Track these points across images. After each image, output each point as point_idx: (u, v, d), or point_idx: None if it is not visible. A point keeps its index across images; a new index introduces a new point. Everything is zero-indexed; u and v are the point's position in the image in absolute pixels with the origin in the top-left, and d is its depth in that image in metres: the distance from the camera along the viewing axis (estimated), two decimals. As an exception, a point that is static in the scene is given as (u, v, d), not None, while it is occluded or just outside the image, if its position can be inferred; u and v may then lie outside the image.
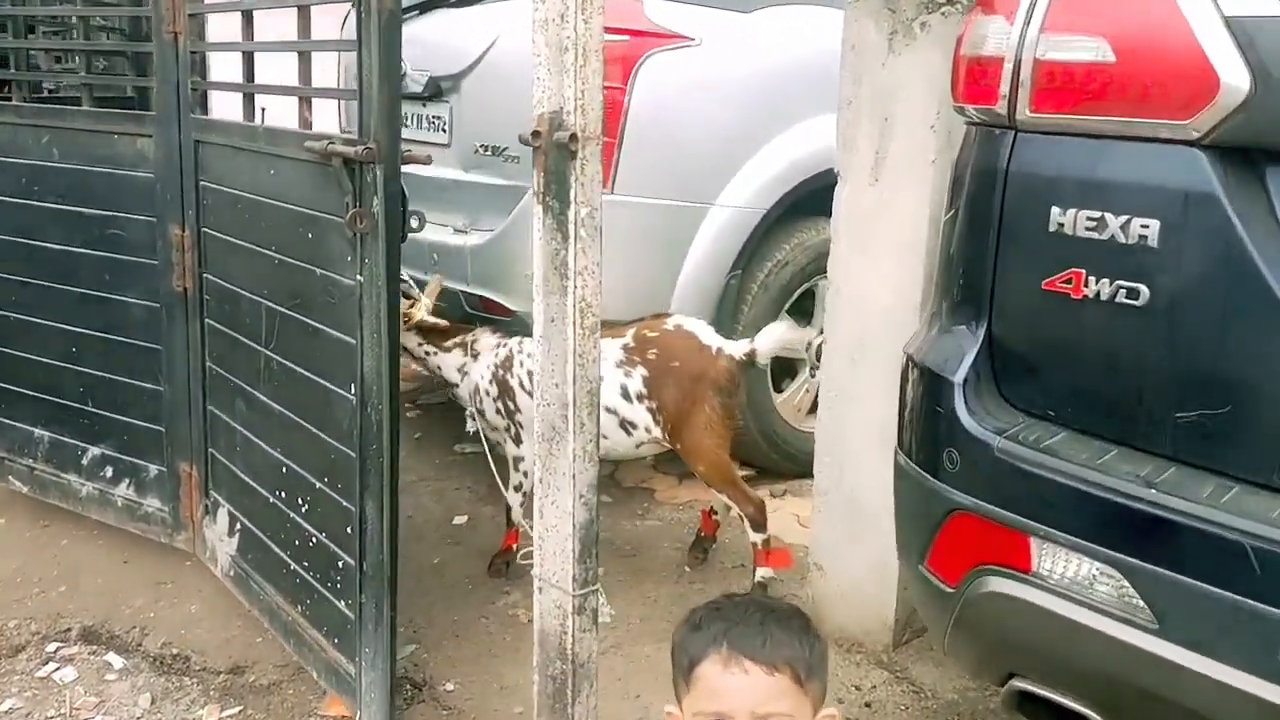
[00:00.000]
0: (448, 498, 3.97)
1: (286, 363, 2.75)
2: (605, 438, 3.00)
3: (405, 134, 4.08)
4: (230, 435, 3.12)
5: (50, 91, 3.79)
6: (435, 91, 3.76)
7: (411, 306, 3.21)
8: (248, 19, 2.75)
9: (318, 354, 2.59)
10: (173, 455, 3.39)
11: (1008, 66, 1.53)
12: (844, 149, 2.64)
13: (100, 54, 3.64)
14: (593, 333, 1.98)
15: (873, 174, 2.57)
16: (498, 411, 3.15)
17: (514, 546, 3.29)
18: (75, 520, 3.67)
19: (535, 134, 1.94)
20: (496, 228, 3.57)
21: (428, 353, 3.30)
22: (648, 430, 3.00)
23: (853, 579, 2.79)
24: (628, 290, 3.52)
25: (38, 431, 3.72)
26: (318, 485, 2.66)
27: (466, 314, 3.67)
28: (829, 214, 2.72)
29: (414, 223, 2.30)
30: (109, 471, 3.57)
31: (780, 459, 3.88)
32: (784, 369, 3.91)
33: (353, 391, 2.43)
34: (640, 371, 2.98)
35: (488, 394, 3.17)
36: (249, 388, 2.96)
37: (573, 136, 1.88)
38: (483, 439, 3.23)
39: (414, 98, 3.87)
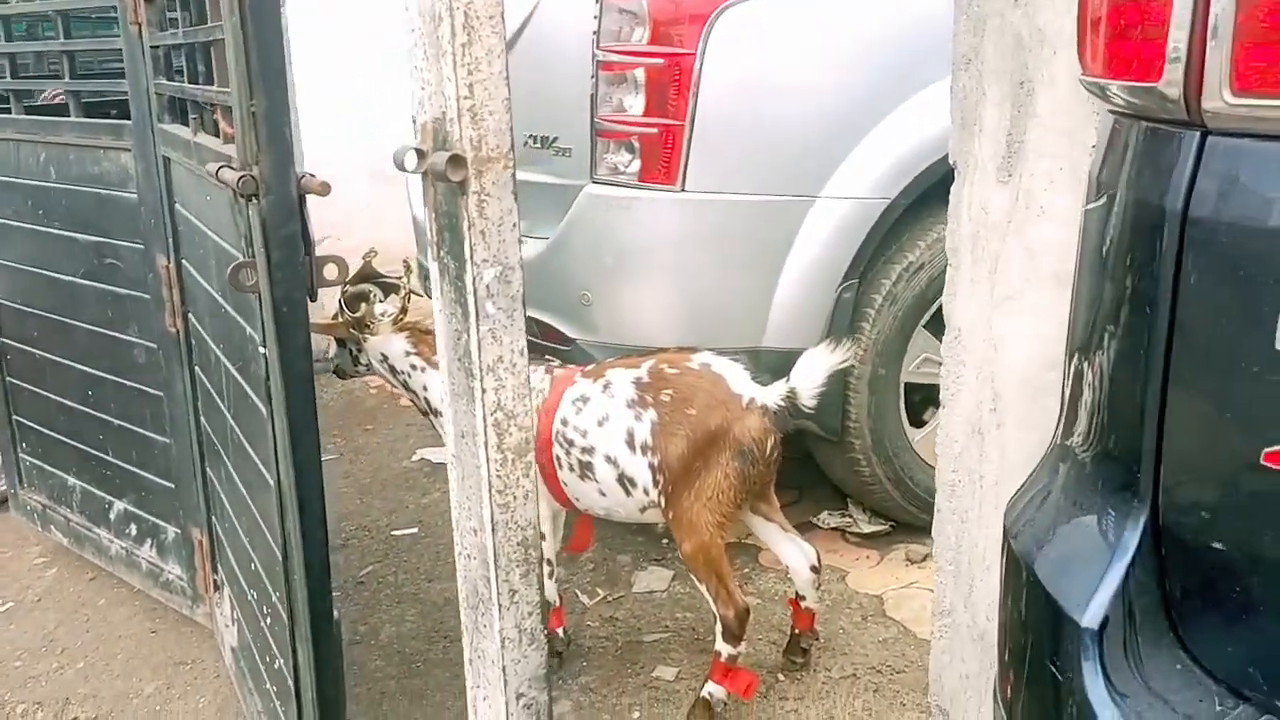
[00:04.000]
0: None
1: (238, 432, 2.19)
2: (603, 495, 2.37)
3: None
4: (221, 506, 2.61)
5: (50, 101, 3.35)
6: (482, 71, 3.09)
7: (404, 299, 2.59)
8: (186, 4, 2.17)
9: (252, 427, 2.01)
10: (185, 519, 2.92)
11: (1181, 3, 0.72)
12: (961, 130, 1.81)
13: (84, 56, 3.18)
14: (520, 456, 1.28)
15: (1004, 167, 1.74)
16: None
17: (559, 631, 2.65)
18: (116, 576, 3.31)
19: (419, 154, 1.24)
20: (551, 236, 2.90)
21: (414, 366, 2.62)
22: (646, 492, 2.32)
23: (990, 732, 1.98)
24: (707, 312, 2.78)
25: (70, 480, 3.36)
26: (273, 596, 2.09)
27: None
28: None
29: (329, 273, 1.65)
30: (133, 530, 3.17)
31: (920, 511, 3.05)
32: (927, 396, 3.08)
33: (274, 481, 1.83)
34: (650, 415, 2.29)
35: None
36: (223, 453, 2.43)
37: (454, 160, 1.17)
38: None
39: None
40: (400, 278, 2.64)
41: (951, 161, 1.85)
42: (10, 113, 3.11)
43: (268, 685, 2.27)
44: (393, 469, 3.95)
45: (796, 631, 2.53)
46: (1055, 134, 1.65)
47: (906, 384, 2.99)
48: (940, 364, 2.98)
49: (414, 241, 3.96)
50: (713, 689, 2.34)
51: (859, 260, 2.78)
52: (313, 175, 1.67)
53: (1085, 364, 0.90)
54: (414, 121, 1.28)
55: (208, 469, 2.71)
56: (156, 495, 3.01)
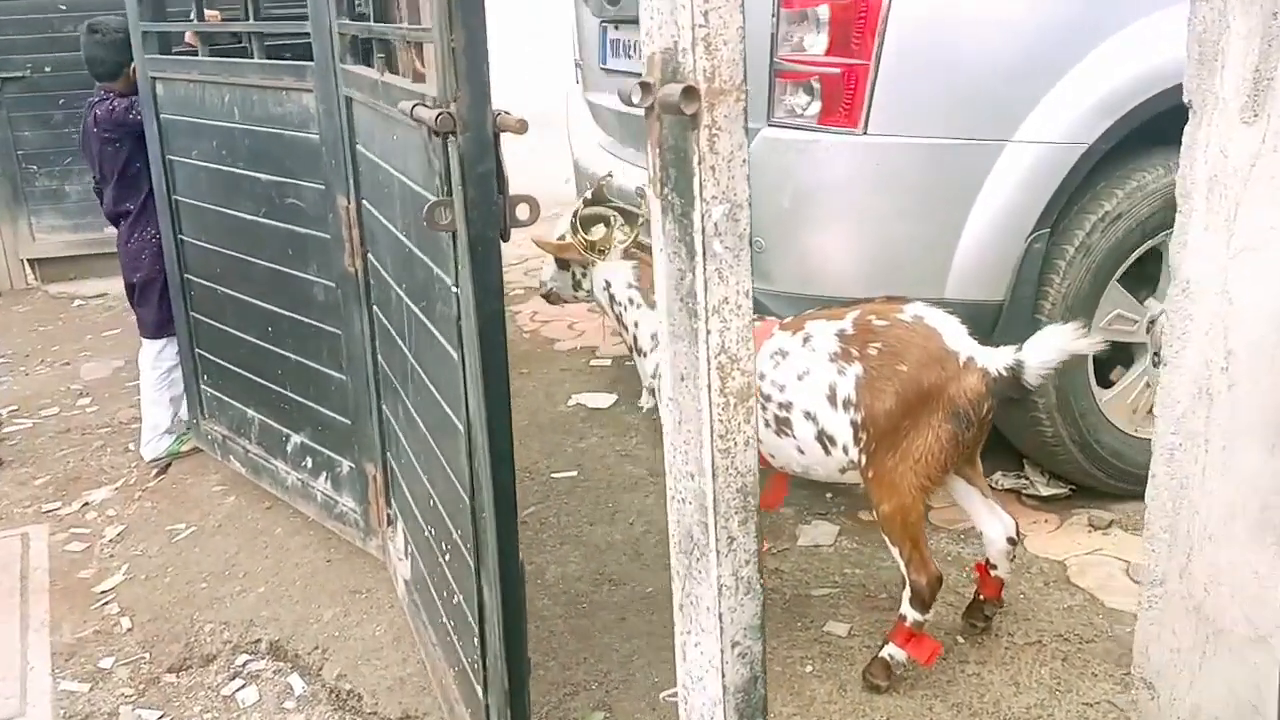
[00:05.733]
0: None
1: (420, 371, 2.22)
2: (801, 452, 2.27)
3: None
4: (397, 443, 2.67)
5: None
6: None
7: (638, 227, 2.50)
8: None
9: (437, 367, 2.03)
10: (359, 453, 3.00)
11: None
12: (1199, 65, 1.67)
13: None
14: (743, 400, 1.24)
15: (1250, 105, 1.59)
16: None
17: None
18: (292, 506, 3.44)
19: (644, 86, 1.20)
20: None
21: (631, 300, 2.52)
22: (845, 451, 2.21)
23: (1200, 712, 1.87)
24: (885, 261, 2.68)
25: (249, 412, 3.50)
26: (454, 534, 2.12)
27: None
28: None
29: (521, 213, 1.63)
30: (309, 462, 3.28)
31: (1106, 476, 2.91)
32: (1116, 356, 2.92)
33: (462, 421, 1.84)
34: (855, 370, 2.16)
35: None
36: (402, 392, 2.48)
37: (688, 91, 1.12)
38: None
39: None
40: (634, 206, 2.57)
41: (1186, 100, 1.71)
42: (196, 54, 3.21)
43: (444, 619, 2.31)
44: (549, 413, 3.99)
45: (982, 598, 2.42)
46: (1317, 67, 1.50)
47: (1095, 340, 2.83)
48: (1135, 321, 2.83)
49: (574, 188, 3.95)
50: (893, 651, 2.27)
51: (1051, 208, 2.62)
52: (508, 113, 1.65)
53: None
54: (640, 54, 1.24)
55: (383, 406, 2.77)
56: (332, 430, 3.10)
